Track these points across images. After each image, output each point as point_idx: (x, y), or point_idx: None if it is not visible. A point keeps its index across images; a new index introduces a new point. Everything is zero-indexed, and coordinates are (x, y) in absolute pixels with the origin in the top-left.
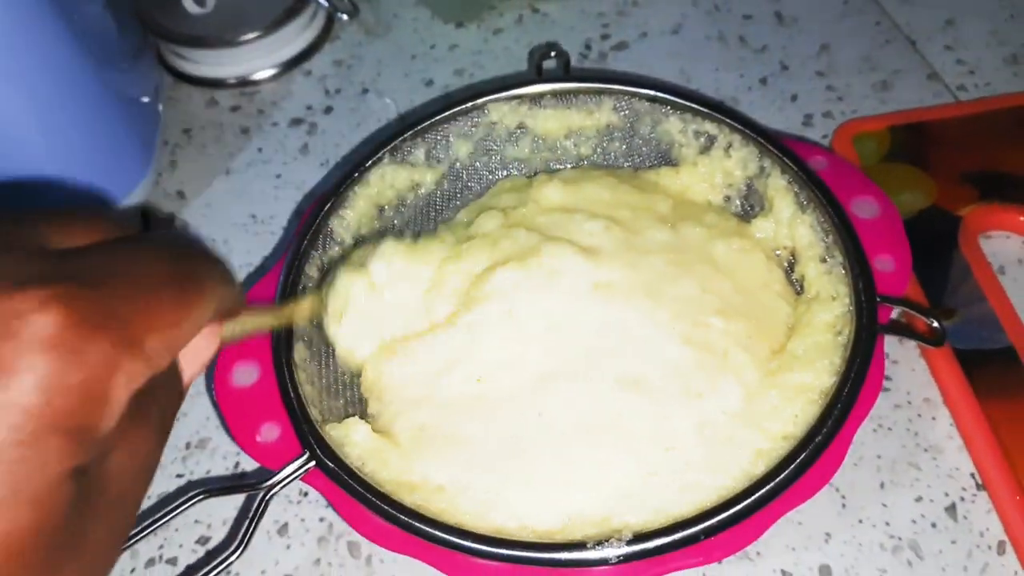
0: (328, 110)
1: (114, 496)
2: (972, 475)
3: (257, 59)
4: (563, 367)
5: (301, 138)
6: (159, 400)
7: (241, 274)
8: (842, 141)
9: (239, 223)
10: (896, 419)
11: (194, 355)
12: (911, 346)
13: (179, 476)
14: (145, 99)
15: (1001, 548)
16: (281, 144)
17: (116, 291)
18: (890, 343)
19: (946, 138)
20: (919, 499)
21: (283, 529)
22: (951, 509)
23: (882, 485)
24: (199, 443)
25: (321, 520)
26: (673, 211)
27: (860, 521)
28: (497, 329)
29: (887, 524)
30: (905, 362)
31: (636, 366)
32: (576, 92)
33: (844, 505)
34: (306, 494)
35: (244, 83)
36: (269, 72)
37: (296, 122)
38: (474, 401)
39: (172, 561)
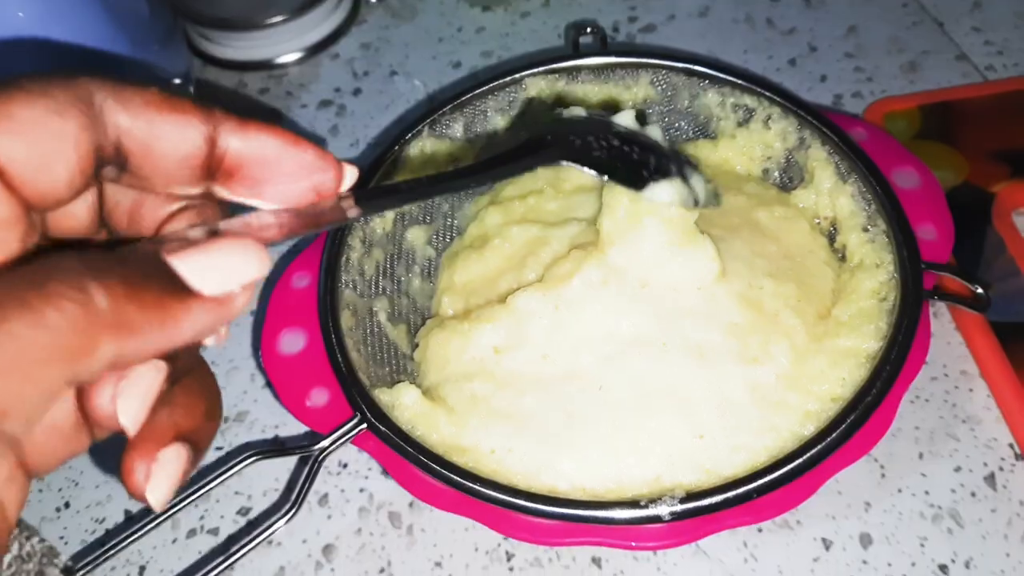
0: (357, 92)
1: None
2: (1010, 445)
3: (285, 42)
4: (628, 343)
5: (330, 119)
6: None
7: (282, 248)
8: (873, 120)
9: None
10: (933, 391)
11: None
12: (946, 320)
13: (218, 448)
14: (176, 81)
15: None
16: (311, 125)
17: None
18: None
19: (975, 117)
20: (958, 469)
21: (323, 500)
22: (990, 478)
23: (921, 455)
24: (237, 416)
25: (361, 491)
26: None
27: (899, 490)
28: (565, 312)
29: (926, 493)
30: (941, 335)
31: (697, 331)
32: (613, 67)
33: (883, 475)
34: (345, 465)
35: (272, 66)
36: (296, 55)
37: (325, 104)
38: (535, 377)
39: (214, 531)
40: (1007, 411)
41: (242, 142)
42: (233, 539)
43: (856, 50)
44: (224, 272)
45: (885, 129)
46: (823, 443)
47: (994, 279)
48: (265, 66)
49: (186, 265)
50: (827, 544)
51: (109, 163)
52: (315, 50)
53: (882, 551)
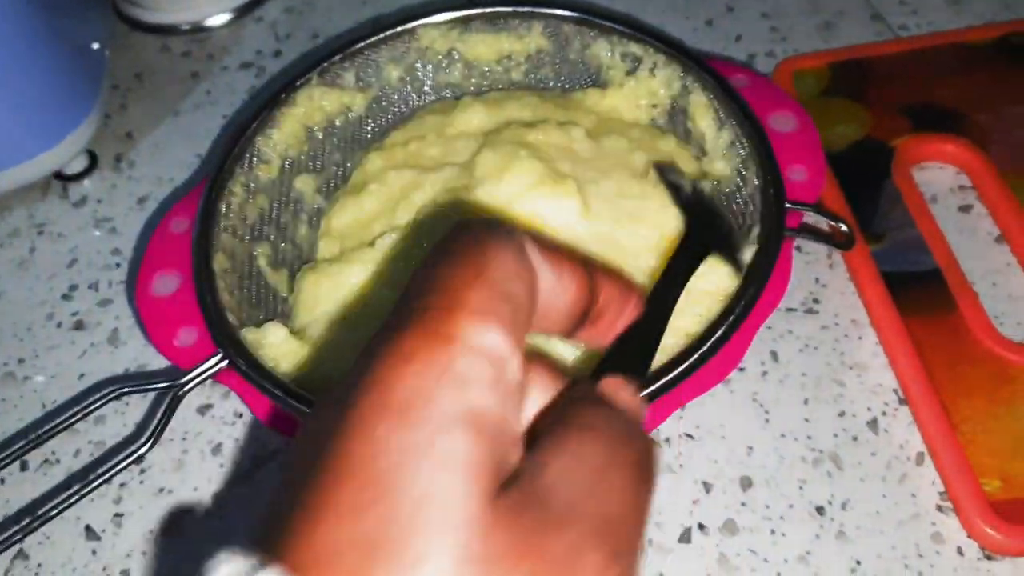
0: (277, 54)
1: None
2: (895, 390)
3: (209, 5)
4: None
5: (249, 81)
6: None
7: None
8: (782, 78)
9: (185, 162)
10: (823, 339)
11: None
12: (840, 271)
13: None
14: (94, 45)
15: (920, 459)
16: (229, 87)
17: None
18: (821, 268)
19: (884, 73)
20: (842, 414)
21: (217, 449)
22: (872, 423)
23: (806, 401)
24: (137, 368)
25: (255, 440)
26: (596, 128)
27: (782, 435)
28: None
29: (809, 438)
30: (834, 285)
31: None
32: (506, 16)
33: (767, 420)
34: (241, 415)
35: (196, 30)
36: (222, 19)
37: (245, 66)
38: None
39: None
40: (893, 356)
41: (608, 289)
42: (99, 461)
43: (772, 11)
44: None
45: (793, 87)
46: (670, 374)
47: (889, 230)
48: (190, 30)
49: None
50: (707, 487)
51: None
52: (240, 13)
53: (761, 493)
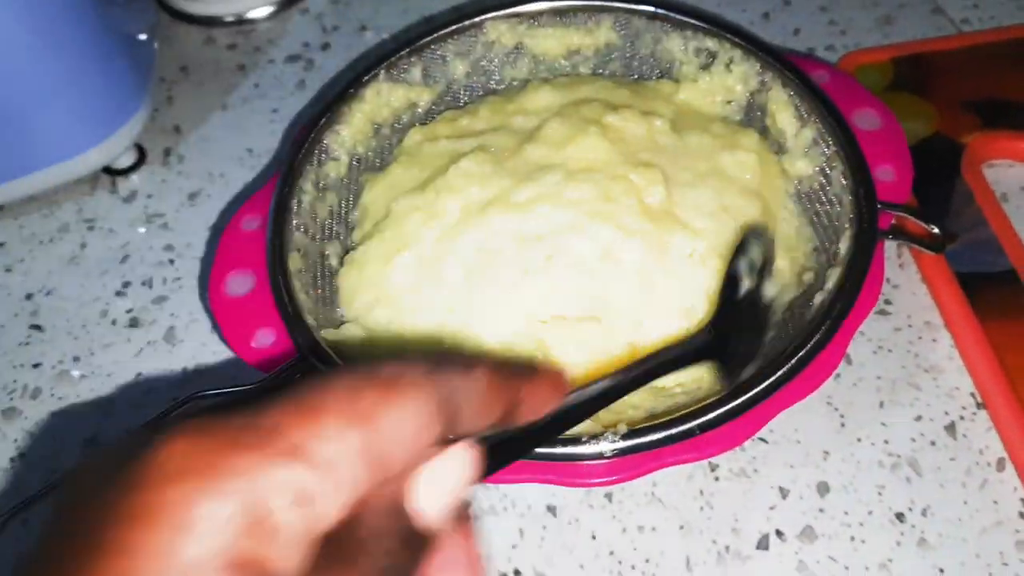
0: (325, 47)
1: None
2: (972, 394)
3: None
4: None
5: (298, 74)
6: (373, 549)
7: (238, 204)
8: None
9: (235, 157)
10: (896, 341)
11: (438, 483)
12: (912, 272)
13: (174, 399)
14: (142, 36)
15: (1000, 465)
16: (278, 80)
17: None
18: (891, 268)
19: (948, 69)
20: (919, 418)
21: None
22: (950, 428)
23: (881, 404)
24: (195, 368)
25: None
26: (677, 119)
27: (859, 440)
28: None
29: (886, 442)
30: (906, 286)
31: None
32: (575, 10)
33: (843, 424)
34: None
35: (240, 22)
36: (265, 10)
37: (293, 59)
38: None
39: None
40: (969, 360)
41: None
42: None
43: (830, 4)
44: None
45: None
46: (768, 380)
47: (961, 229)
48: (234, 22)
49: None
50: (784, 492)
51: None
52: (284, 5)
53: (839, 499)
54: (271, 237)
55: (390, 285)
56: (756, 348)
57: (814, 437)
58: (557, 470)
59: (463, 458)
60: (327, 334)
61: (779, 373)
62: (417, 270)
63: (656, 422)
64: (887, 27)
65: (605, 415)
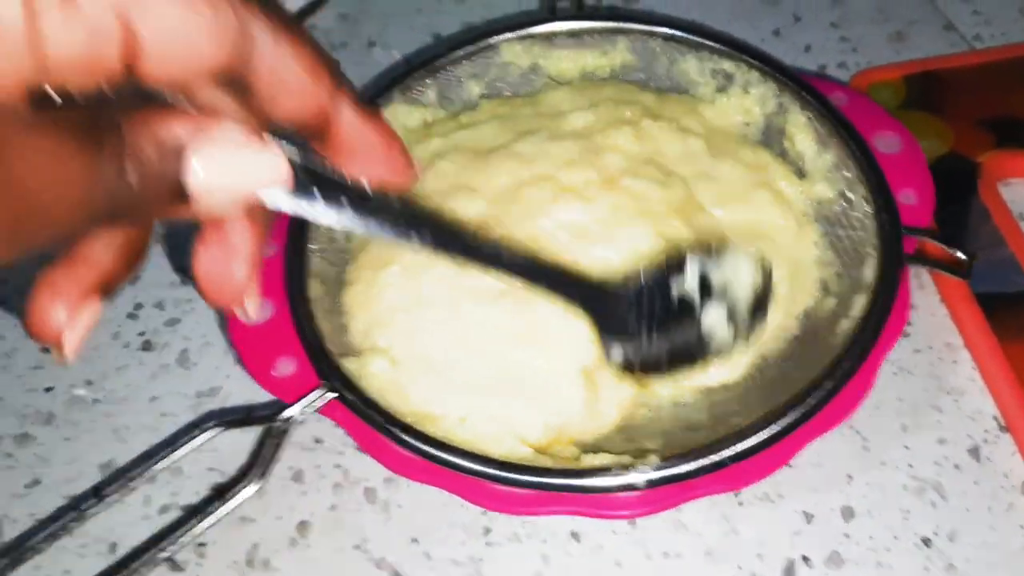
0: None
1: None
2: (995, 417)
3: None
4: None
5: None
6: (121, 153)
7: None
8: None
9: None
10: (917, 363)
11: (222, 161)
12: (931, 292)
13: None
14: None
15: None
16: None
17: None
18: (911, 289)
19: (962, 86)
20: (942, 441)
21: (298, 475)
22: (974, 451)
23: (904, 428)
24: (209, 391)
25: (337, 467)
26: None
27: (882, 463)
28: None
29: (910, 466)
30: (925, 308)
31: None
32: (590, 31)
33: (865, 448)
34: (320, 441)
35: None
36: None
37: None
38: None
39: (187, 508)
40: (991, 382)
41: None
42: (211, 499)
43: (841, 20)
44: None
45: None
46: (799, 410)
47: (979, 249)
48: None
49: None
50: (808, 517)
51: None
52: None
53: (864, 524)
54: (289, 264)
55: (379, 302)
56: (644, 344)
57: (837, 461)
58: (587, 502)
59: (263, 154)
60: (349, 363)
61: (809, 402)
62: (402, 282)
63: (686, 452)
64: (898, 44)
65: (626, 445)
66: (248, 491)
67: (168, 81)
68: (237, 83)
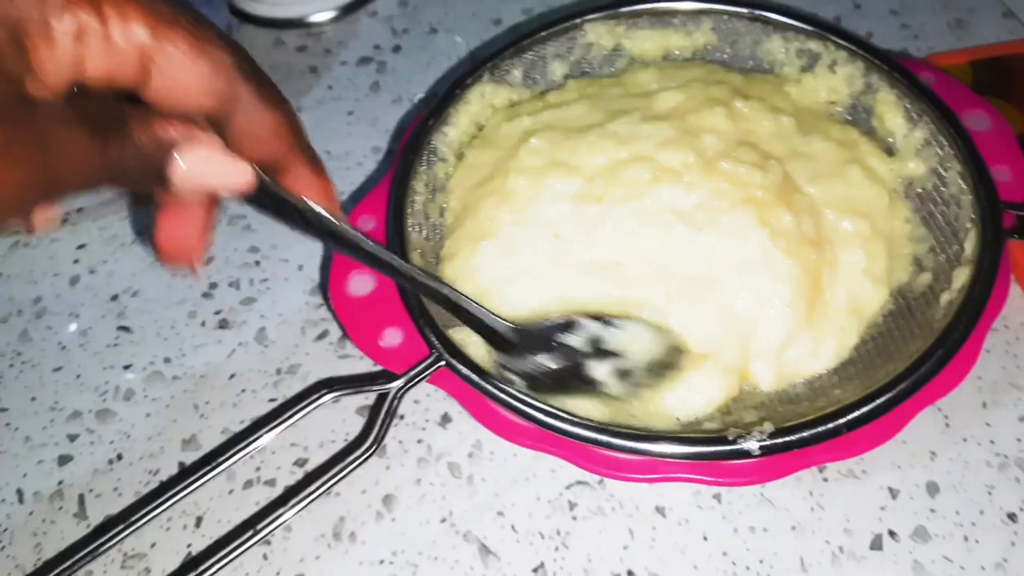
0: (396, 49)
1: (34, 155)
2: None
3: (315, 1)
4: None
5: (371, 76)
6: (124, 142)
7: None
8: None
9: None
10: (994, 342)
11: (206, 160)
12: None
13: (271, 400)
14: None
15: None
16: (351, 82)
17: None
18: None
19: None
20: (1023, 418)
21: (382, 451)
22: None
23: (984, 405)
24: (289, 369)
25: (419, 442)
26: (797, 114)
27: (964, 440)
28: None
29: (992, 442)
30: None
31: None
32: (674, 12)
33: (947, 425)
34: (402, 417)
35: (308, 24)
36: (331, 14)
37: (365, 61)
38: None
39: (271, 483)
40: None
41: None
42: (292, 490)
43: (901, 7)
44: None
45: None
46: (912, 377)
47: None
48: (302, 24)
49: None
50: (894, 493)
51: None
52: (351, 8)
53: (949, 500)
54: (392, 237)
55: (478, 275)
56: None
57: (919, 438)
58: (704, 468)
59: (236, 165)
60: (454, 332)
61: (921, 370)
62: (500, 256)
63: (803, 420)
64: (959, 31)
65: (725, 419)
66: (363, 458)
67: (166, 107)
68: (218, 124)
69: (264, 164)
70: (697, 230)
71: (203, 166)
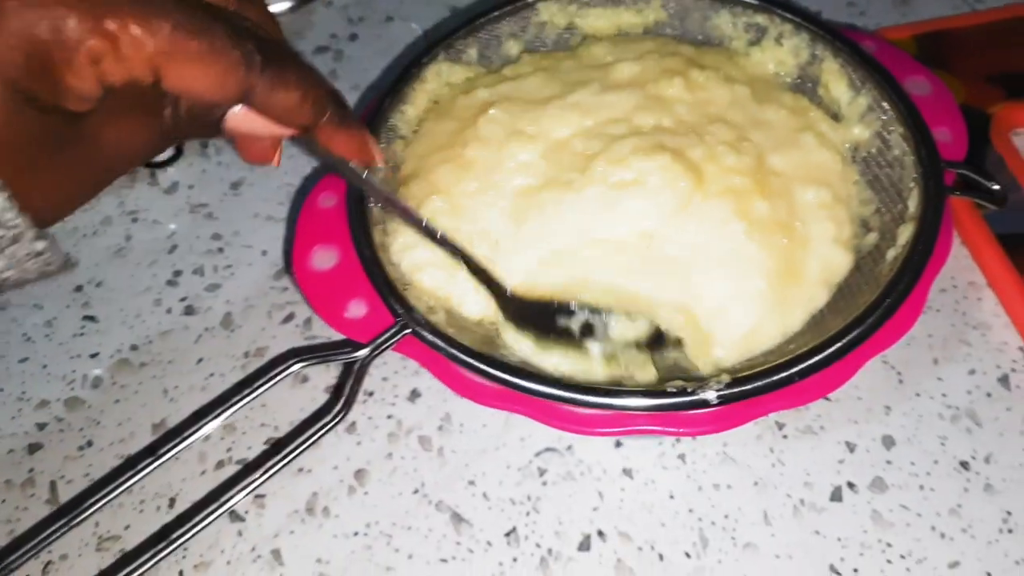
0: (353, 37)
1: (92, 154)
2: (1020, 348)
3: None
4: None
5: (328, 64)
6: (174, 111)
7: (281, 195)
8: None
9: None
10: (943, 301)
11: (255, 119)
12: (952, 235)
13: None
14: None
15: None
16: None
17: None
18: None
19: (968, 44)
20: (972, 372)
21: (351, 428)
22: (1003, 380)
23: (935, 361)
24: (256, 352)
25: (389, 417)
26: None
27: (917, 394)
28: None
29: (943, 396)
30: None
31: None
32: None
33: (901, 380)
34: (371, 393)
35: None
36: (288, 3)
37: (321, 50)
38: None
39: (242, 462)
40: (1015, 316)
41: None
42: (262, 458)
43: None
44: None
45: None
46: (860, 327)
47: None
48: None
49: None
50: (851, 447)
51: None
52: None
53: (905, 451)
54: (353, 211)
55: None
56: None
57: (874, 394)
58: (663, 420)
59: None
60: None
61: (870, 321)
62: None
63: (757, 371)
64: (904, 7)
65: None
66: (332, 424)
67: (189, 101)
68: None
69: (295, 132)
70: (672, 214)
71: (243, 121)
